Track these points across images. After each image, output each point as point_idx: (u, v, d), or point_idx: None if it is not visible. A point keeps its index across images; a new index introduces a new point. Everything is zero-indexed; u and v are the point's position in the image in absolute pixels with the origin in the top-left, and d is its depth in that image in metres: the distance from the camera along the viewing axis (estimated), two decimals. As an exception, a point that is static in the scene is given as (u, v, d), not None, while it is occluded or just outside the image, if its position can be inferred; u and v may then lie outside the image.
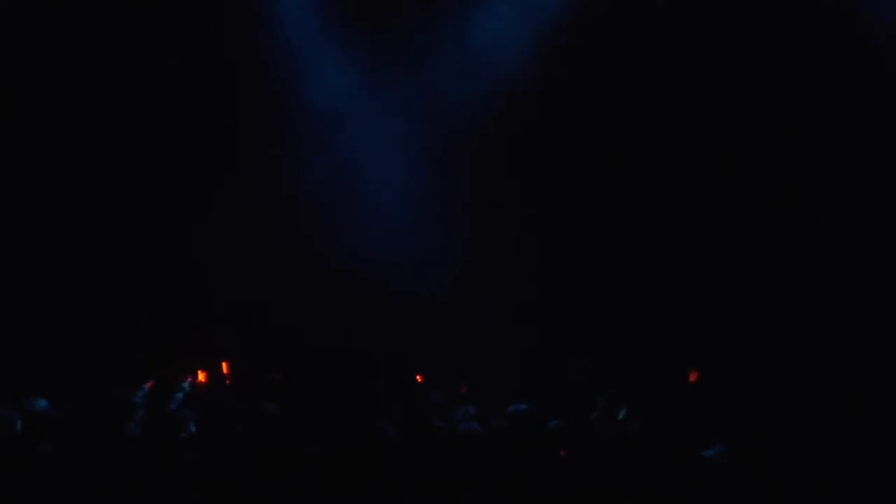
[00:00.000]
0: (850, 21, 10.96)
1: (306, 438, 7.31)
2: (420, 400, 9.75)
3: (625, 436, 7.95)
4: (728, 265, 11.44)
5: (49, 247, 11.31)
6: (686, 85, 11.65)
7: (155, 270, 11.73)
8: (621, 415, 8.12)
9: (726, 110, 11.54)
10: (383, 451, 7.42)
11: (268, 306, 11.73)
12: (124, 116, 11.75)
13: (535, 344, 11.42)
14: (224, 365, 10.24)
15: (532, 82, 11.92)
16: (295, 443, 7.20)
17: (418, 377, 10.68)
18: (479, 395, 9.56)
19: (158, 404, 7.46)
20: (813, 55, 11.21)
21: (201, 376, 9.40)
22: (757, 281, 11.30)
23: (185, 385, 8.50)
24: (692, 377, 9.67)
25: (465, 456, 7.52)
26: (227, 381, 9.99)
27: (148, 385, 7.89)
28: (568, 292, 11.85)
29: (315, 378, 10.45)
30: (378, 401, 9.18)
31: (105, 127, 11.72)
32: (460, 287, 11.81)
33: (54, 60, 11.43)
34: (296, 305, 11.79)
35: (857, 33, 10.94)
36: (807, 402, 8.92)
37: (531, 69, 11.91)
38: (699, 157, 11.65)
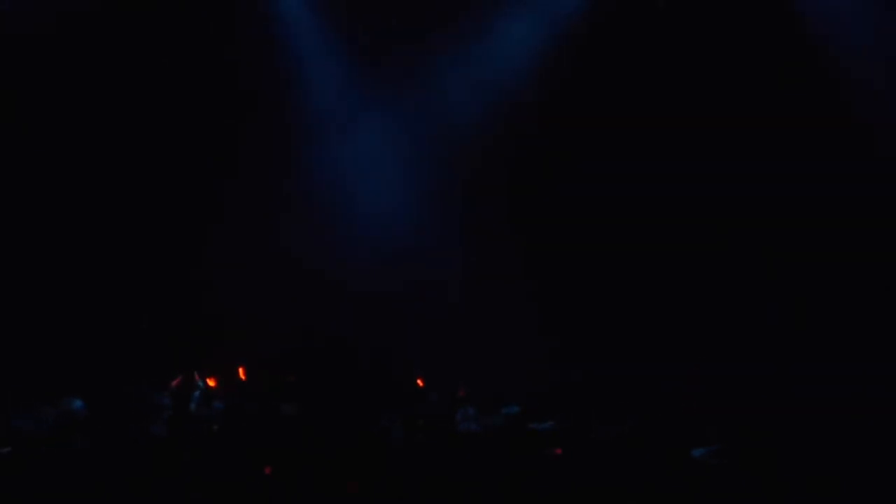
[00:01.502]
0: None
1: (316, 437, 7.46)
2: (422, 402, 9.93)
3: (624, 436, 8.11)
4: (725, 266, 11.48)
5: (59, 250, 11.24)
6: (684, 93, 11.65)
7: (162, 274, 11.70)
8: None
9: (726, 116, 11.51)
10: (388, 450, 7.59)
11: (271, 310, 11.73)
12: (127, 119, 11.68)
13: (532, 349, 11.44)
14: (241, 369, 10.29)
15: (533, 93, 12.03)
16: (306, 441, 7.34)
17: (419, 381, 10.77)
18: (476, 398, 9.71)
19: (181, 405, 7.58)
20: (812, 55, 11.30)
21: (212, 382, 9.47)
22: (755, 281, 11.36)
23: (200, 383, 8.52)
24: None
25: (465, 454, 7.69)
26: (243, 384, 10.06)
27: (174, 383, 7.96)
28: (564, 298, 11.89)
29: (321, 380, 10.54)
30: (383, 403, 9.32)
31: (108, 130, 11.64)
32: (461, 294, 11.93)
33: (57, 64, 11.34)
34: (300, 310, 11.84)
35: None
36: (801, 402, 9.15)
37: (532, 81, 12.04)
38: (697, 161, 11.60)
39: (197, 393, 7.91)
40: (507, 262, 11.98)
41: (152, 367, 9.65)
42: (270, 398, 8.36)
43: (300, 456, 6.99)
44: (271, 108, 12.20)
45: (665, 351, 11.10)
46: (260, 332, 11.57)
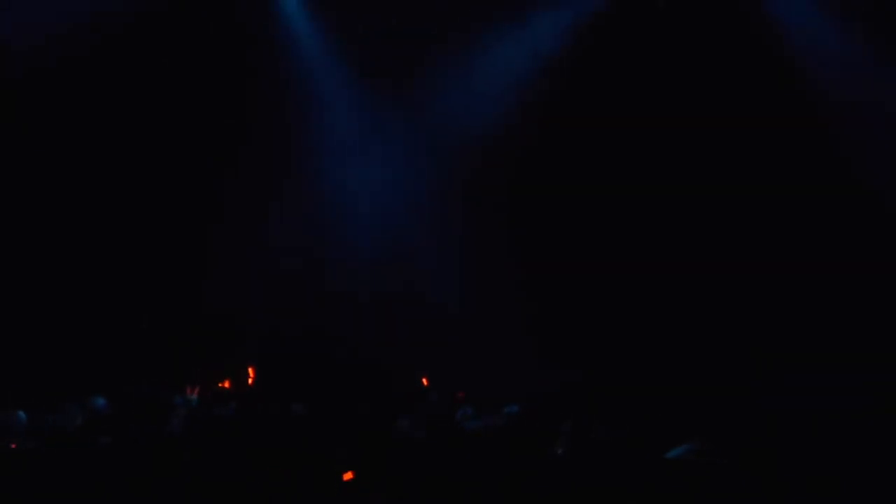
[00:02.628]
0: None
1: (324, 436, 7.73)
2: (423, 402, 10.20)
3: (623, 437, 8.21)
4: (714, 270, 11.63)
5: (79, 256, 11.46)
6: (686, 97, 11.83)
7: (171, 276, 11.90)
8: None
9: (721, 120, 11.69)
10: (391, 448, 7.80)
11: (274, 311, 12.05)
12: (128, 120, 11.78)
13: (528, 354, 11.63)
14: (251, 370, 10.60)
15: (536, 98, 12.28)
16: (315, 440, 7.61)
17: (424, 380, 11.08)
18: (477, 398, 9.91)
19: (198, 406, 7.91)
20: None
21: (225, 384, 9.74)
22: (743, 283, 11.53)
23: (192, 396, 8.64)
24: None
25: (467, 449, 7.79)
26: (251, 385, 10.36)
27: (194, 392, 8.24)
28: (556, 308, 12.13)
29: (325, 381, 10.83)
30: (391, 403, 9.59)
31: (110, 131, 11.72)
32: (461, 303, 12.14)
33: (59, 63, 11.29)
34: (302, 311, 12.11)
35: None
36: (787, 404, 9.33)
37: (534, 87, 12.29)
38: (695, 165, 11.82)
39: (194, 400, 8.08)
40: (507, 267, 12.19)
41: (166, 369, 9.96)
42: (280, 398, 8.62)
43: (310, 454, 7.19)
44: (272, 110, 12.35)
45: (658, 352, 11.35)
46: (263, 333, 11.86)
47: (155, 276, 11.85)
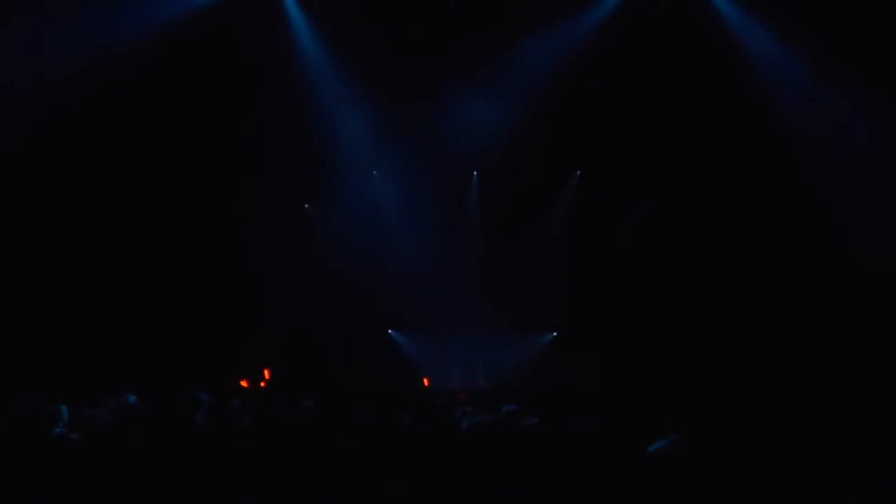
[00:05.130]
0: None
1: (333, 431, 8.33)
2: (425, 401, 10.78)
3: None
4: (700, 274, 12.32)
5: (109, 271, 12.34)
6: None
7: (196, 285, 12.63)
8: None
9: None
10: (399, 440, 8.24)
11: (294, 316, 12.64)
12: (167, 130, 12.60)
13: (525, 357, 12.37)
14: (266, 371, 11.23)
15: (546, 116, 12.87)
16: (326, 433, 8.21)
17: (426, 381, 11.69)
18: (478, 398, 10.54)
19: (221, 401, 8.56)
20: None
21: (244, 382, 10.39)
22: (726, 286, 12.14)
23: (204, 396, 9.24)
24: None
25: (466, 447, 8.15)
26: (265, 385, 10.98)
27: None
28: (548, 314, 12.76)
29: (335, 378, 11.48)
30: (397, 401, 10.21)
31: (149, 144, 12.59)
32: (463, 310, 12.68)
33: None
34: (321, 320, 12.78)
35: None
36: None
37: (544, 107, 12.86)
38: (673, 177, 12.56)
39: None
40: (503, 291, 12.81)
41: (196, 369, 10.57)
42: (292, 395, 9.22)
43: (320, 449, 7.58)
44: (306, 145, 13.15)
45: (652, 349, 11.94)
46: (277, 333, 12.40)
47: (174, 281, 12.57)
